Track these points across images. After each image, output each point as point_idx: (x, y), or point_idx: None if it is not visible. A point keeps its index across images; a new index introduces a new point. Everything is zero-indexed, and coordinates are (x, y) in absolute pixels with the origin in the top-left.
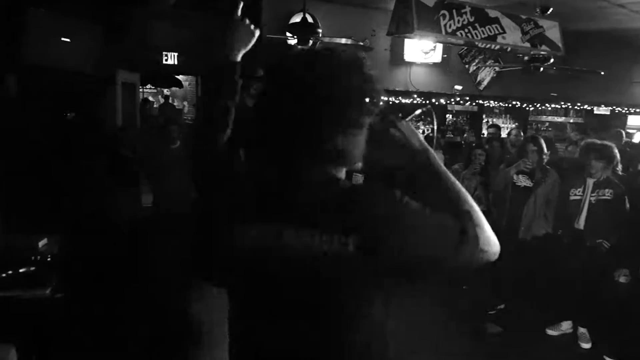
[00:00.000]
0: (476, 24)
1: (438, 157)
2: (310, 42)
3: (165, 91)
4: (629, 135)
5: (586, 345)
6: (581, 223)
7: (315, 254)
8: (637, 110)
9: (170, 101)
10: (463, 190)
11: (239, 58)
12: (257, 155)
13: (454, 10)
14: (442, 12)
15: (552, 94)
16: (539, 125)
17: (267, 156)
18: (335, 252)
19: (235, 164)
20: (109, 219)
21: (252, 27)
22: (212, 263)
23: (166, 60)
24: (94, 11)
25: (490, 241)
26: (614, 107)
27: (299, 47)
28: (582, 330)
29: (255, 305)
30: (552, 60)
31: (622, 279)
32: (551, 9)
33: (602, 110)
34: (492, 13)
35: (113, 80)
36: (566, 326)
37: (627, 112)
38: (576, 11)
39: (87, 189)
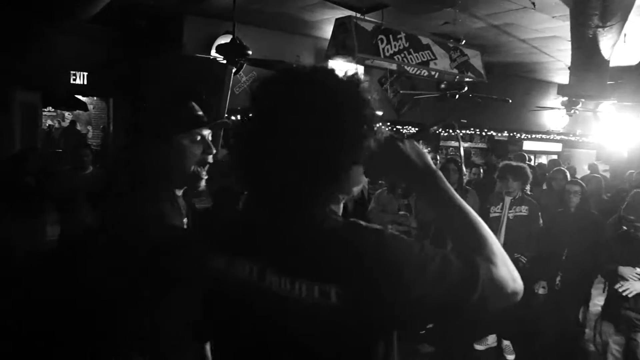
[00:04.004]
0: (411, 49)
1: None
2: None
3: (67, 114)
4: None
5: (510, 357)
6: (501, 239)
7: (294, 304)
8: (533, 136)
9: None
10: (476, 220)
11: None
12: (244, 187)
13: (391, 35)
14: (380, 36)
15: (462, 120)
16: (448, 150)
17: (255, 191)
18: (315, 304)
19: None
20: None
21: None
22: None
23: (74, 80)
24: None
25: (505, 282)
26: (513, 133)
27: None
28: (505, 342)
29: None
30: (465, 88)
31: (540, 291)
32: (464, 41)
33: (503, 136)
34: (424, 40)
35: (9, 99)
36: (491, 340)
37: (523, 137)
38: (485, 44)
39: None
